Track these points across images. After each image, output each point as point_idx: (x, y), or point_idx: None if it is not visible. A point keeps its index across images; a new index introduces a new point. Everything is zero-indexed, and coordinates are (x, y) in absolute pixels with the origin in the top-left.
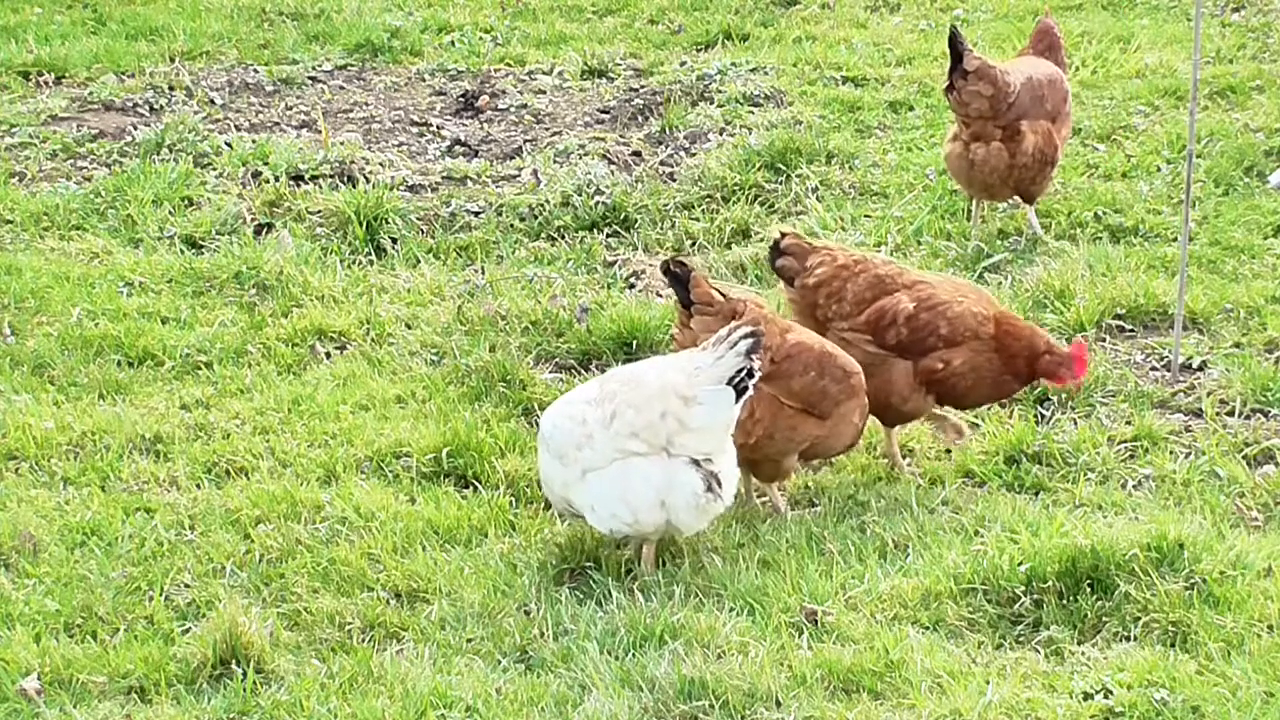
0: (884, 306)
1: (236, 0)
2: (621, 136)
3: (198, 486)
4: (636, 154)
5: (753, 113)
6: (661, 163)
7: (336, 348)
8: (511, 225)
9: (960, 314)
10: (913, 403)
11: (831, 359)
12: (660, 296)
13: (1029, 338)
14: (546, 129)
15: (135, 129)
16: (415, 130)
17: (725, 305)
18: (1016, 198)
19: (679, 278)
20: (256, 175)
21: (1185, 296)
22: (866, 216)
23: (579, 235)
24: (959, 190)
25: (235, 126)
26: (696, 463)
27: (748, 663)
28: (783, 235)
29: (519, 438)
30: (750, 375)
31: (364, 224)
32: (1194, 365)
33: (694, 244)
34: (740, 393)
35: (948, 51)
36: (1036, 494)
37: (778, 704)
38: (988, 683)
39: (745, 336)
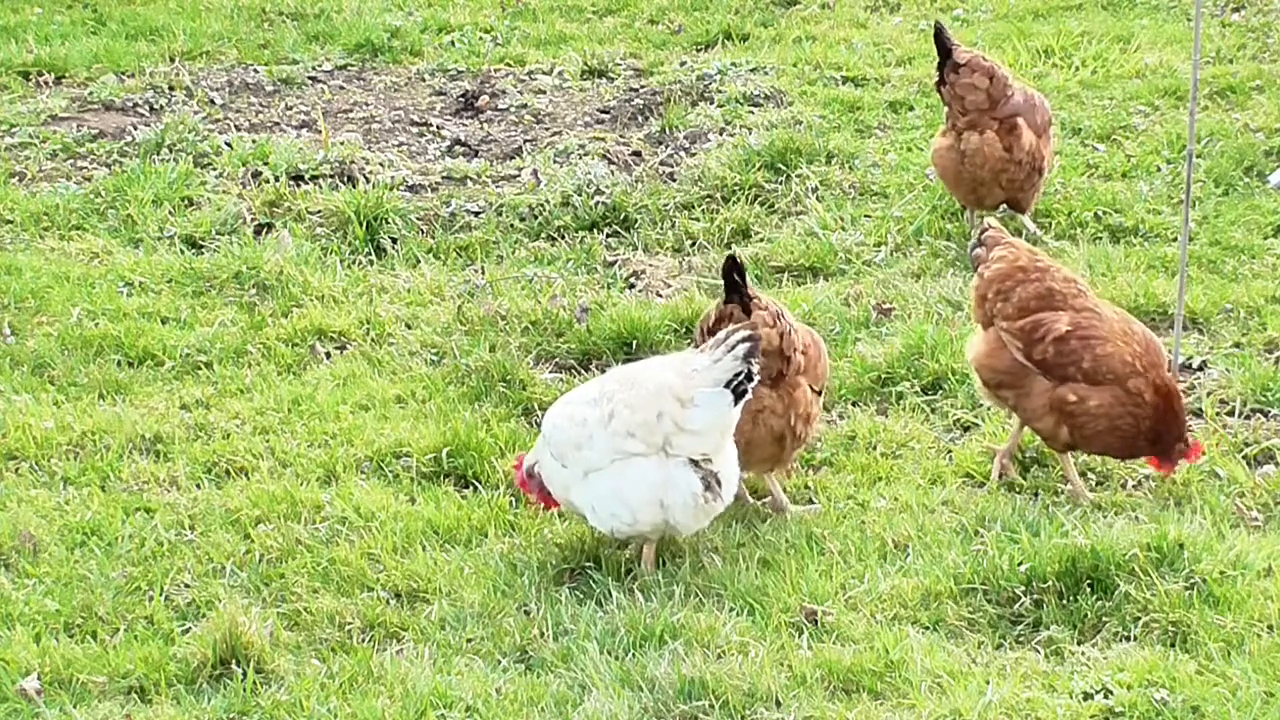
0: (1041, 320)
1: (236, 0)
2: (621, 136)
3: (198, 486)
4: (636, 154)
5: (753, 113)
6: (661, 163)
7: (336, 348)
8: (511, 225)
9: (1108, 354)
10: (1043, 424)
11: (815, 335)
12: (660, 296)
13: (1182, 425)
14: (546, 129)
15: (135, 129)
16: (415, 130)
17: (774, 309)
18: (1005, 205)
19: (744, 275)
20: (256, 175)
21: (1185, 296)
22: (866, 216)
23: (579, 235)
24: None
25: (235, 126)
26: (695, 463)
27: (748, 663)
28: (988, 226)
29: (519, 438)
30: (749, 379)
31: (364, 224)
32: (1194, 365)
33: (694, 244)
34: (739, 396)
35: (935, 48)
36: (1036, 494)
37: (778, 704)
38: (988, 683)
39: (743, 340)
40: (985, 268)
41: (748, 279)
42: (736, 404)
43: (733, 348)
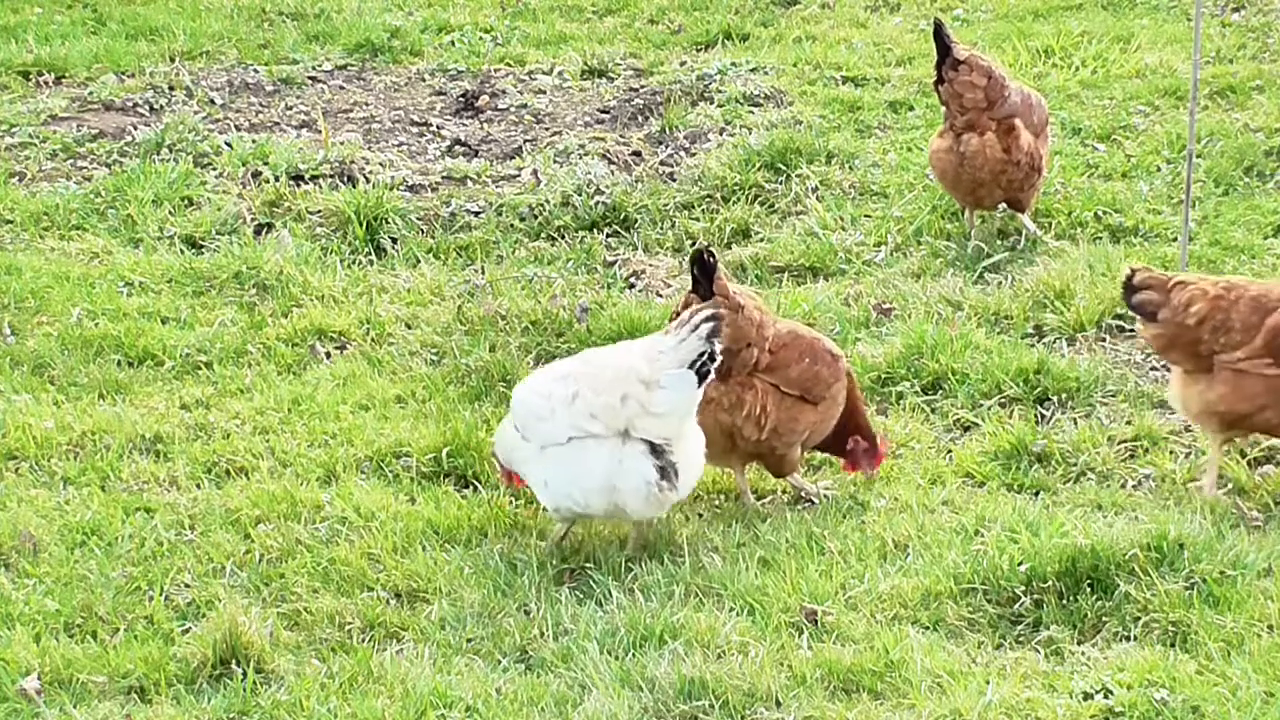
0: (1276, 325)
1: (236, 0)
2: (621, 136)
3: (198, 486)
4: (636, 154)
5: (753, 113)
6: (661, 163)
7: (336, 348)
8: (511, 225)
9: None
10: None
11: (820, 344)
12: (660, 296)
13: None
14: (546, 129)
15: (135, 129)
16: (415, 130)
17: (734, 300)
18: (1004, 205)
19: (708, 269)
20: (256, 175)
21: None
22: (866, 216)
23: (579, 235)
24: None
25: (235, 126)
26: (655, 450)
27: (748, 663)
28: (1134, 271)
29: None
30: (712, 359)
31: (364, 224)
32: None
33: (694, 244)
34: (702, 376)
35: (934, 46)
36: (1036, 494)
37: (778, 704)
38: (988, 683)
39: (706, 320)
40: (1180, 315)
41: (716, 274)
42: (700, 385)
43: (696, 327)
